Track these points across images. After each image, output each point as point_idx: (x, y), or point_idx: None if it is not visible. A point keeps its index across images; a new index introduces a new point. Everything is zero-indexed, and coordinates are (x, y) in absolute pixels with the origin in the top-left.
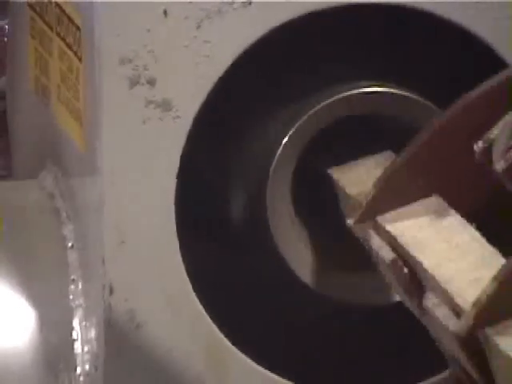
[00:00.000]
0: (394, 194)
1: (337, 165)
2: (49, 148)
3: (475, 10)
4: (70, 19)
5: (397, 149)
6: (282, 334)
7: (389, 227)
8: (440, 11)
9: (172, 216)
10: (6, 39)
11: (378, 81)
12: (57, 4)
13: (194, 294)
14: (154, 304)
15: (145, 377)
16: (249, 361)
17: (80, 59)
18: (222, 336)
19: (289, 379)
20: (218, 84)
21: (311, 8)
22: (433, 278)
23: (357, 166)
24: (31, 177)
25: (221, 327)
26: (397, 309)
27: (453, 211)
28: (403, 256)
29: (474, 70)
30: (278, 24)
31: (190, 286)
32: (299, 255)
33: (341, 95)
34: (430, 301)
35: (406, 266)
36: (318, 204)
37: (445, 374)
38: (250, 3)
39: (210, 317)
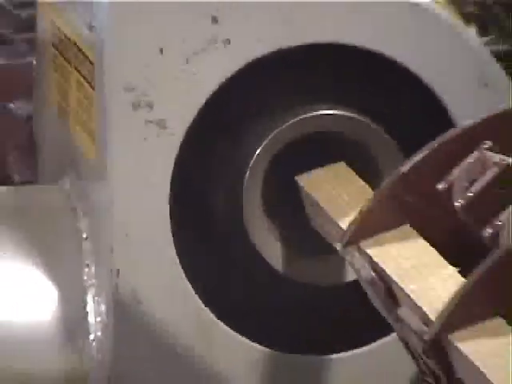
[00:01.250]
0: (373, 223)
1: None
2: (68, 159)
3: (412, 50)
4: (85, 56)
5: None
6: (260, 311)
7: (369, 251)
8: (383, 50)
9: (167, 214)
10: (33, 72)
11: (336, 106)
12: (75, 44)
13: (185, 278)
14: (152, 285)
15: (145, 343)
16: (232, 332)
17: (93, 88)
18: (208, 312)
19: (267, 347)
20: (204, 108)
21: (279, 46)
22: (405, 293)
23: (322, 178)
24: (54, 181)
25: (208, 305)
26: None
27: (420, 238)
28: (381, 275)
29: (409, 101)
30: (253, 59)
31: (182, 272)
32: (271, 248)
33: (300, 117)
34: (404, 312)
35: (384, 284)
36: (286, 206)
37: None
38: (229, 42)
39: (199, 296)
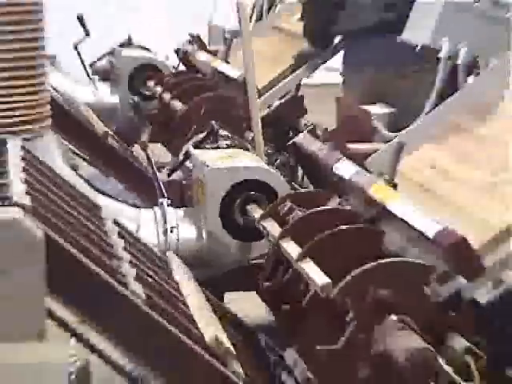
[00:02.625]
0: None
1: None
2: None
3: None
4: (204, 184)
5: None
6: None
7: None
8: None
9: (219, 220)
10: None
11: None
12: (200, 180)
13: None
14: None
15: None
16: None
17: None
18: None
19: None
20: (223, 199)
21: (242, 178)
22: None
23: None
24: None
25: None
26: None
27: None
28: None
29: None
30: (238, 181)
31: (224, 231)
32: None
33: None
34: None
35: None
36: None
37: None
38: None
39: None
